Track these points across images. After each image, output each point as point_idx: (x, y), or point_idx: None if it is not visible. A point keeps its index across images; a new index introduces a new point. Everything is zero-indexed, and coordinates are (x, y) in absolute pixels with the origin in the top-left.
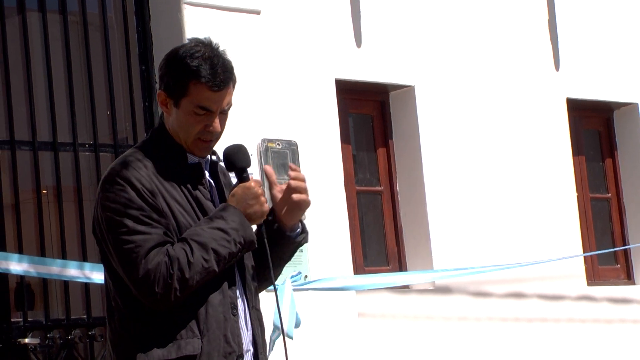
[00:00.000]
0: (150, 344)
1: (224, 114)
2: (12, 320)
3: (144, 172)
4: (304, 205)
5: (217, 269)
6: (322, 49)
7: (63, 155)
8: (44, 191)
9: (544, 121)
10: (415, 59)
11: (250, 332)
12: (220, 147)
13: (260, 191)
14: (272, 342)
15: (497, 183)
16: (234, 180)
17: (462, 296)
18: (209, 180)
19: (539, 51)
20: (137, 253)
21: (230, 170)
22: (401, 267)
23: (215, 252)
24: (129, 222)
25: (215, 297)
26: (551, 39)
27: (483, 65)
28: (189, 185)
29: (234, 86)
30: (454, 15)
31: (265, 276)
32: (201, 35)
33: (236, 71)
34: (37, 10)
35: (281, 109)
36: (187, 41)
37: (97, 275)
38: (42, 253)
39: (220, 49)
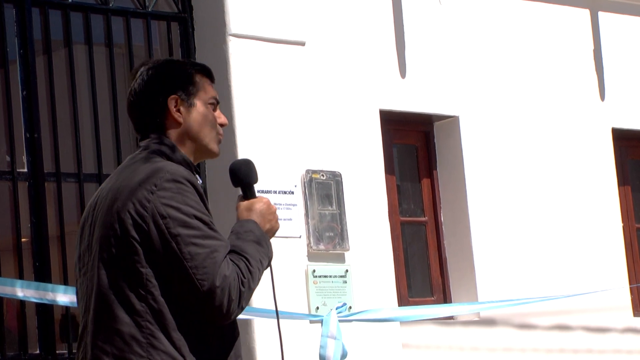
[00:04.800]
0: None
1: None
2: (57, 352)
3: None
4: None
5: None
6: (366, 79)
7: None
8: None
9: (589, 151)
10: (459, 89)
11: None
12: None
13: (274, 208)
14: None
15: (542, 213)
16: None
17: (507, 328)
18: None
19: (584, 81)
20: (214, 259)
21: (237, 185)
22: (446, 298)
23: (261, 263)
24: (202, 226)
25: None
26: (596, 69)
27: (528, 95)
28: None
29: None
30: (499, 46)
31: None
32: (246, 66)
33: (281, 102)
34: (84, 42)
35: (325, 140)
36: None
37: None
38: None
39: None
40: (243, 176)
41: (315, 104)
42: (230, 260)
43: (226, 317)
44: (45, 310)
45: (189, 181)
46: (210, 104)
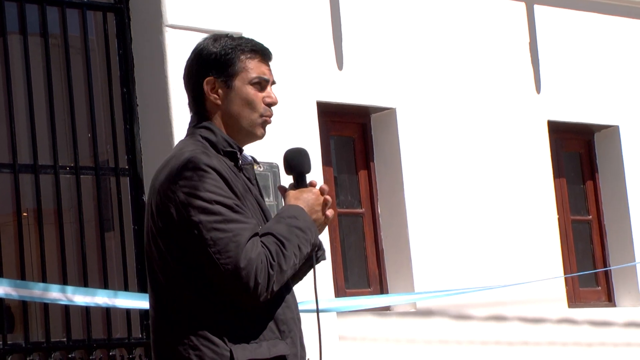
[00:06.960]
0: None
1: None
2: None
3: (223, 165)
4: (330, 221)
5: (298, 267)
6: (303, 71)
7: (44, 178)
8: (25, 214)
9: (525, 143)
10: (396, 81)
11: None
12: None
13: (327, 199)
14: None
15: (478, 205)
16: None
17: (444, 319)
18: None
19: (520, 74)
20: (237, 242)
21: (289, 173)
22: (382, 289)
23: (300, 249)
24: (224, 210)
25: (290, 298)
26: (532, 62)
27: (464, 88)
28: (248, 185)
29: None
30: (436, 38)
31: None
32: (183, 57)
33: None
34: (18, 32)
35: None
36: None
37: (79, 298)
38: (23, 275)
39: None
40: (296, 164)
41: None
42: (261, 242)
43: (254, 299)
44: None
45: (210, 166)
46: (255, 83)
